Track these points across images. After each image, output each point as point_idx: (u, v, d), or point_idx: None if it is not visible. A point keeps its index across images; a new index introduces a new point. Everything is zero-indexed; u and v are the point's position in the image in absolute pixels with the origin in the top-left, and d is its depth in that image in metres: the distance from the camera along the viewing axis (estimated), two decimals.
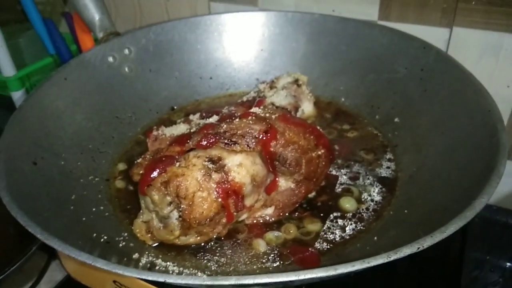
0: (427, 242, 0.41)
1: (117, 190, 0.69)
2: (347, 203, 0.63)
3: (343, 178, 0.68)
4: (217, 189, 0.54)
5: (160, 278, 0.38)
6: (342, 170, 0.70)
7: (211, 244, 0.59)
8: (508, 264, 0.75)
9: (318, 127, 0.64)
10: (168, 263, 0.56)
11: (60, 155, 0.67)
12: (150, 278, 0.39)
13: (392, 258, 0.39)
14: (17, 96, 1.01)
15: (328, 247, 0.57)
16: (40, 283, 0.80)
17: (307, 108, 0.82)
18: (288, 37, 0.92)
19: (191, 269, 0.55)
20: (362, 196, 0.65)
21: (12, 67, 0.99)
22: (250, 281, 0.37)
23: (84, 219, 0.60)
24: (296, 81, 0.82)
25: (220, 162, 0.56)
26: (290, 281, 0.37)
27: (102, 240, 0.57)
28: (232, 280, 0.37)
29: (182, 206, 0.54)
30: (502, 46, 0.83)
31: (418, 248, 0.40)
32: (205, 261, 0.56)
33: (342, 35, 0.88)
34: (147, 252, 0.57)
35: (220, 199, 0.55)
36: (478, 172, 0.53)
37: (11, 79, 0.99)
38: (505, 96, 0.83)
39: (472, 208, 0.45)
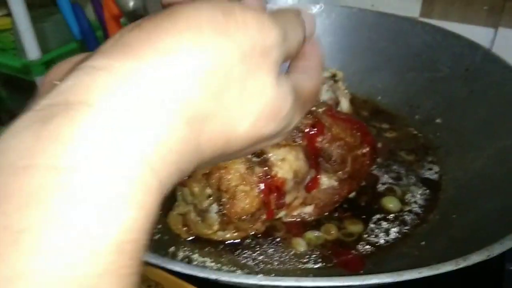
0: (496, 249, 0.38)
1: None
2: (391, 203, 0.61)
3: (385, 178, 0.65)
4: (260, 184, 0.52)
5: (212, 275, 0.36)
6: (382, 170, 0.67)
7: (248, 241, 0.57)
8: None
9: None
10: (205, 258, 0.53)
11: None
12: (201, 275, 0.36)
13: (461, 266, 0.36)
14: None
15: (372, 250, 0.55)
16: None
17: (343, 105, 0.79)
18: (325, 30, 0.89)
19: (229, 266, 0.53)
20: (406, 197, 0.62)
21: (37, 50, 0.97)
22: (310, 284, 0.34)
23: None
24: (333, 76, 0.79)
25: (264, 155, 0.54)
26: (354, 286, 0.35)
27: None
28: (292, 282, 0.34)
29: (223, 200, 0.52)
30: None
31: (488, 255, 0.37)
32: (242, 259, 0.54)
33: (381, 31, 0.85)
34: (182, 246, 0.55)
35: (262, 195, 0.52)
36: None
37: (36, 63, 0.97)
38: None
39: None
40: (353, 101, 0.82)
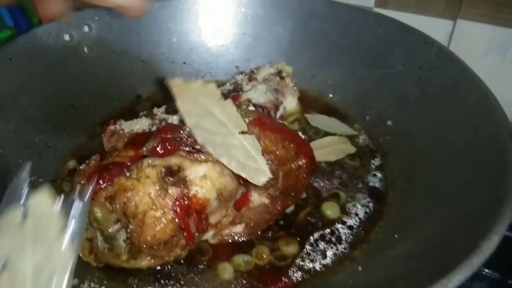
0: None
1: (64, 194, 0.59)
2: (329, 209, 0.56)
3: (327, 184, 0.59)
4: (175, 208, 0.45)
5: None
6: (325, 176, 0.61)
7: (167, 267, 0.50)
8: None
9: (300, 133, 0.55)
10: None
11: None
12: None
13: None
14: None
15: (306, 277, 0.49)
16: None
17: (290, 103, 0.73)
18: (274, 20, 0.81)
19: None
20: (347, 206, 0.57)
21: None
22: None
23: None
24: (279, 73, 0.72)
25: (180, 173, 0.47)
26: None
27: None
28: None
29: (130, 227, 0.45)
30: (510, 44, 0.75)
31: None
32: None
33: (333, 22, 0.78)
34: (89, 276, 0.48)
35: (178, 219, 0.45)
36: (484, 199, 0.45)
37: None
38: (509, 100, 0.75)
39: (479, 253, 0.37)
40: (301, 98, 0.75)
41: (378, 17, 0.75)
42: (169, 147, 0.47)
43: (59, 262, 0.30)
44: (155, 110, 0.66)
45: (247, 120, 0.50)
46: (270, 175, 0.48)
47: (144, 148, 0.48)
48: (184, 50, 0.83)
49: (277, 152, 0.50)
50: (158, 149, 0.47)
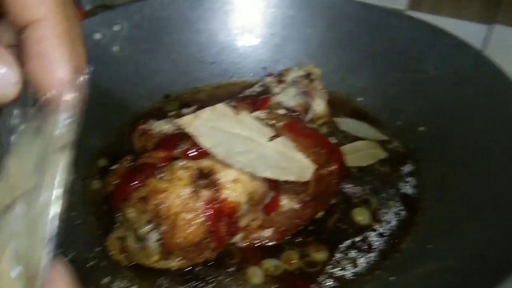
0: None
1: (94, 192, 0.59)
2: (360, 215, 0.55)
3: (358, 190, 0.58)
4: (206, 210, 0.45)
5: None
6: (352, 184, 0.60)
7: (197, 269, 0.50)
8: None
9: (331, 138, 0.54)
10: None
11: None
12: None
13: None
14: None
15: (334, 284, 0.48)
16: None
17: (319, 106, 0.71)
18: (304, 21, 0.80)
19: None
20: (379, 213, 0.56)
21: None
22: None
23: None
24: (308, 75, 0.71)
25: (212, 176, 0.46)
26: None
27: (67, 257, 0.48)
28: None
29: (162, 228, 0.45)
30: None
31: None
32: None
33: (365, 24, 0.76)
34: (120, 275, 0.49)
35: (209, 222, 0.45)
36: None
37: None
38: None
39: None
40: (330, 101, 0.74)
41: (412, 20, 0.73)
42: (201, 150, 0.47)
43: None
44: (184, 110, 0.66)
45: (279, 124, 0.49)
46: (313, 166, 0.47)
47: (176, 150, 0.48)
48: (212, 50, 0.83)
49: (309, 158, 0.49)
50: (190, 151, 0.46)
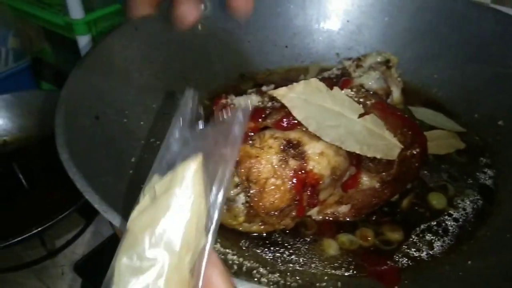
0: None
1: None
2: (436, 200, 0.56)
3: (435, 177, 0.59)
4: (293, 179, 0.47)
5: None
6: (429, 170, 0.60)
7: (275, 236, 0.53)
8: None
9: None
10: (227, 250, 0.50)
11: (123, 112, 0.62)
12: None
13: None
14: (83, 41, 0.97)
15: (411, 263, 0.49)
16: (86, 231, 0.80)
17: (394, 94, 0.72)
18: (381, 10, 0.80)
19: (251, 261, 0.49)
20: (456, 200, 0.56)
21: (80, 9, 0.94)
22: None
23: (142, 186, 0.55)
24: (386, 62, 0.72)
25: (300, 147, 0.49)
26: None
27: None
28: None
29: (251, 191, 0.48)
30: None
31: None
32: (268, 255, 0.50)
33: (445, 15, 0.76)
34: None
35: (294, 190, 0.48)
36: None
37: (79, 22, 0.95)
38: None
39: None
40: (405, 90, 0.75)
41: (496, 13, 0.72)
42: (292, 122, 0.49)
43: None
44: (264, 88, 0.68)
45: (368, 103, 0.51)
46: (401, 146, 0.48)
47: (268, 120, 0.50)
48: (287, 34, 0.85)
49: (396, 138, 0.50)
50: (282, 122, 0.49)
